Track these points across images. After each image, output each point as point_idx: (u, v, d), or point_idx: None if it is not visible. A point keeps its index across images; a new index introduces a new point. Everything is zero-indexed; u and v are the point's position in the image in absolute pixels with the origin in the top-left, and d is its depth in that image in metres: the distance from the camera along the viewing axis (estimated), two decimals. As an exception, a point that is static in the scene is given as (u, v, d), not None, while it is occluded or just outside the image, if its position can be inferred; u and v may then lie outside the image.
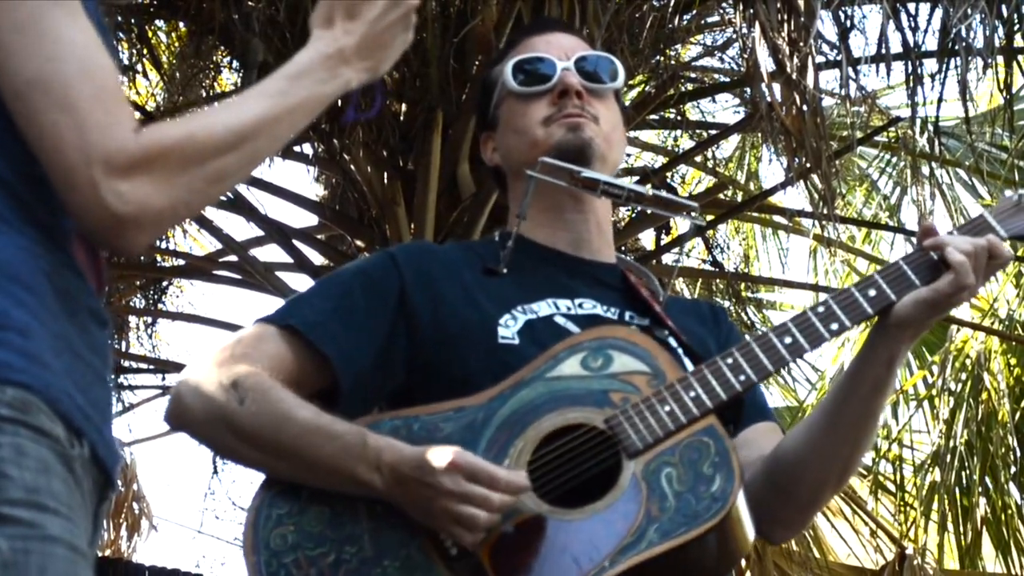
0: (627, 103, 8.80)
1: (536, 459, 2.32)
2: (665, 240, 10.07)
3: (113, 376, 10.73)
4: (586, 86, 2.72)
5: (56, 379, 1.78)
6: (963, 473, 10.35)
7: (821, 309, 2.45)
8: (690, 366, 2.50)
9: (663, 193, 2.72)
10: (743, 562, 9.79)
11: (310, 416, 2.33)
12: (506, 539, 2.25)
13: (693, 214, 2.73)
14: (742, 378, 2.40)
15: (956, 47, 6.76)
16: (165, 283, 11.00)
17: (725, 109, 11.41)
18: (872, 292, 2.45)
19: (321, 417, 2.33)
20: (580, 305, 2.62)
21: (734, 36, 8.71)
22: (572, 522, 2.26)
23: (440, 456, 2.22)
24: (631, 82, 8.72)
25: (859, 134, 8.97)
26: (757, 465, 2.55)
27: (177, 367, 10.56)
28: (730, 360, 2.41)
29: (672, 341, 2.59)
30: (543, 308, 2.59)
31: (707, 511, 2.24)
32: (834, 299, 2.45)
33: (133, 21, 8.39)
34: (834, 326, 2.43)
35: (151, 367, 11.19)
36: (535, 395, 2.39)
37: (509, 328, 2.54)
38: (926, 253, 2.46)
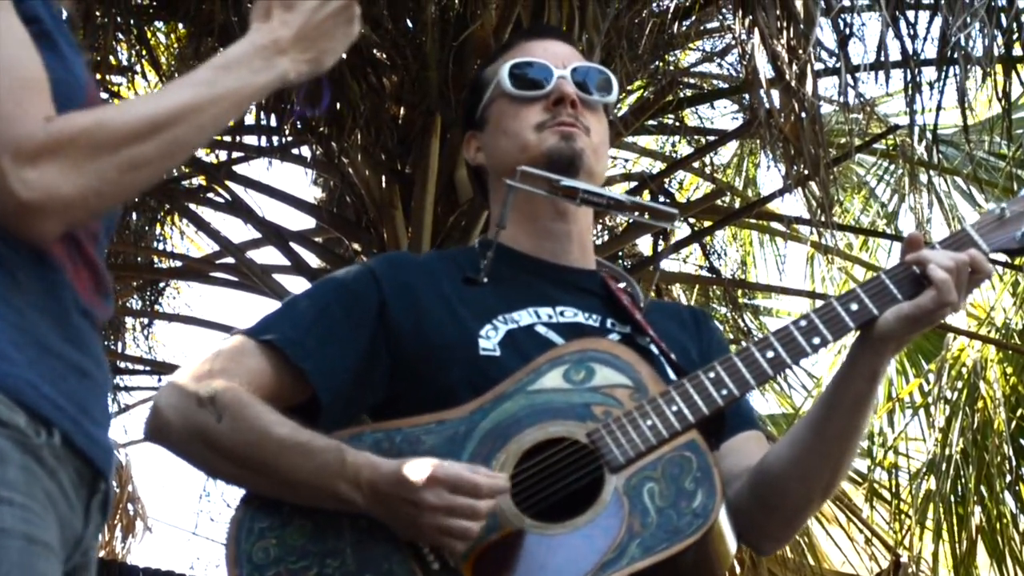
0: (626, 108, 8.84)
1: (518, 472, 2.33)
2: (662, 246, 10.06)
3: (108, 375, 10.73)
4: (581, 96, 2.72)
5: (16, 370, 1.77)
6: (958, 481, 10.33)
7: (803, 323, 2.44)
8: (671, 375, 2.50)
9: (642, 201, 2.72)
10: (737, 568, 9.81)
11: (287, 433, 2.33)
12: (488, 554, 2.26)
13: (675, 221, 2.72)
14: (724, 393, 2.40)
15: (955, 55, 6.76)
16: (162, 285, 11.00)
17: (724, 115, 11.40)
18: (854, 306, 2.44)
19: (299, 434, 2.33)
20: (561, 313, 2.61)
21: (733, 42, 8.69)
22: (554, 537, 2.27)
23: (419, 470, 2.22)
24: (630, 87, 8.72)
25: (857, 141, 8.98)
26: (743, 477, 2.55)
27: (173, 369, 10.49)
28: (712, 375, 2.40)
29: (653, 349, 2.59)
30: (524, 317, 2.59)
31: (689, 527, 2.24)
32: (816, 313, 2.45)
33: (132, 22, 8.37)
34: (816, 340, 2.43)
35: (147, 369, 11.17)
36: (517, 408, 2.39)
37: (490, 339, 2.53)
38: (908, 267, 2.44)
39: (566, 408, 2.39)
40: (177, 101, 1.91)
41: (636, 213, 2.71)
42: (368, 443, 2.36)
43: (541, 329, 2.57)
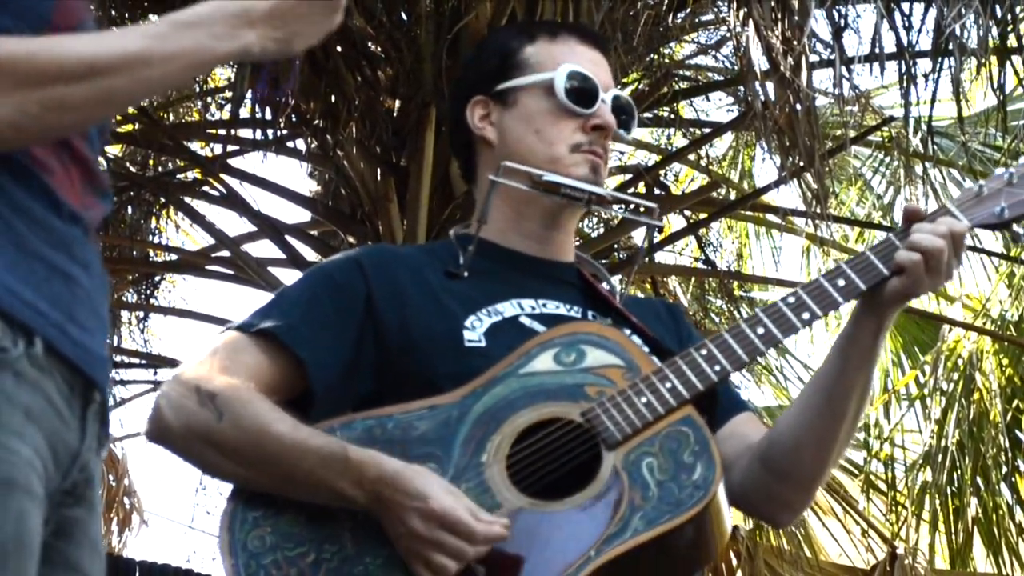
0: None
1: (514, 453, 2.32)
2: (658, 238, 10.06)
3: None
4: (615, 131, 2.70)
5: None
6: (955, 473, 10.35)
7: (792, 300, 2.46)
8: (657, 361, 2.49)
9: (622, 195, 2.74)
10: (734, 560, 9.82)
11: (287, 430, 2.31)
12: None
13: (656, 215, 2.73)
14: (717, 368, 2.40)
15: (950, 47, 6.76)
16: (157, 278, 10.96)
17: (719, 108, 11.43)
18: (841, 282, 2.45)
19: (299, 430, 2.32)
20: (544, 305, 2.61)
21: (728, 34, 8.70)
22: (555, 514, 2.26)
23: (422, 493, 2.21)
24: (625, 80, 8.71)
25: (852, 133, 8.96)
26: (747, 455, 2.56)
27: (169, 362, 10.54)
28: (704, 351, 2.42)
29: (636, 338, 2.59)
30: (507, 309, 2.59)
31: (690, 499, 2.25)
32: (804, 290, 2.47)
33: (127, 15, 8.36)
34: (806, 315, 2.44)
35: (143, 362, 11.17)
36: (509, 391, 2.39)
37: (475, 330, 2.53)
38: (892, 243, 2.47)
39: (559, 389, 2.39)
40: (121, 48, 1.76)
41: (617, 207, 2.70)
42: (360, 430, 2.35)
43: (525, 320, 2.57)
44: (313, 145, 8.52)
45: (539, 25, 2.91)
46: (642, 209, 2.78)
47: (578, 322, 2.58)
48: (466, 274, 2.62)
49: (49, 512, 1.75)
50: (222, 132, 9.31)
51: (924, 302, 11.43)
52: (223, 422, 2.32)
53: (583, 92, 2.68)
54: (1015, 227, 2.56)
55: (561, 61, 2.71)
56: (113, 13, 7.94)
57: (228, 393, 2.35)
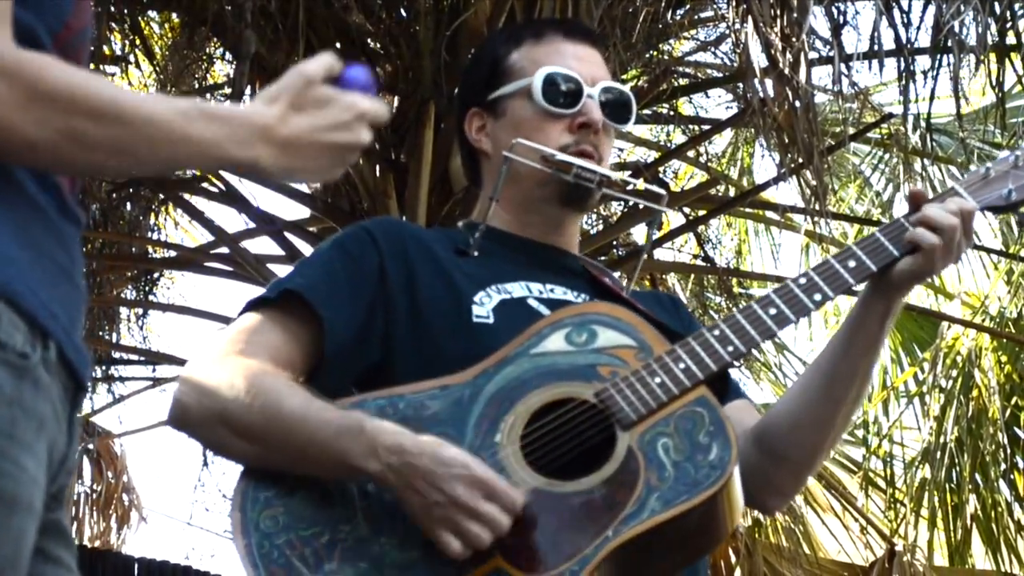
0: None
1: (528, 434, 2.31)
2: (657, 235, 10.06)
3: (104, 366, 10.77)
4: (604, 122, 2.70)
5: (18, 273, 1.71)
6: (953, 470, 10.34)
7: (803, 281, 2.46)
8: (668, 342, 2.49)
9: (631, 180, 2.73)
10: (733, 557, 9.81)
11: (301, 403, 2.30)
12: None
13: (661, 202, 2.74)
14: (730, 349, 2.40)
15: (949, 44, 6.76)
16: (156, 274, 10.93)
17: (718, 104, 11.40)
18: (852, 263, 2.46)
19: (313, 403, 2.30)
20: (551, 290, 2.62)
21: (727, 31, 8.69)
22: (571, 494, 2.25)
23: (459, 460, 2.19)
24: (624, 76, 8.70)
25: (851, 130, 8.96)
26: (743, 438, 2.54)
27: (168, 359, 10.54)
28: (716, 332, 2.42)
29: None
30: (516, 289, 2.59)
31: (707, 479, 2.24)
32: (815, 271, 2.47)
33: (126, 12, 8.36)
34: (817, 297, 2.45)
35: (142, 359, 11.15)
36: (521, 371, 2.38)
37: (484, 306, 2.54)
38: (902, 224, 2.48)
39: (571, 370, 2.39)
40: (150, 109, 1.79)
41: (625, 191, 2.71)
42: (372, 410, 2.33)
43: (533, 303, 2.57)
44: (312, 141, 8.49)
45: (526, 28, 2.90)
46: (647, 191, 2.78)
47: (589, 303, 2.59)
48: (476, 253, 2.63)
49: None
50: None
51: (923, 299, 11.44)
52: (238, 401, 2.31)
53: (564, 92, 2.68)
54: (1023, 209, 2.59)
55: (542, 64, 2.71)
56: (112, 9, 7.95)
57: (243, 372, 2.35)
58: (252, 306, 2.51)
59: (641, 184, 2.73)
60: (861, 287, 2.52)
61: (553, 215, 2.72)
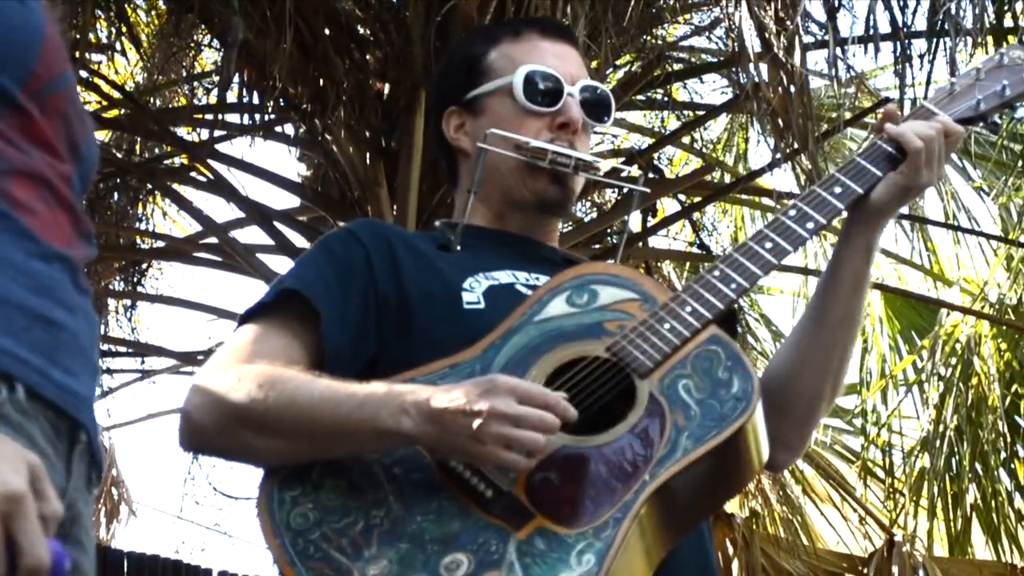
0: (613, 83, 8.75)
1: None
2: (652, 222, 10.00)
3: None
4: (584, 121, 2.74)
5: None
6: (953, 459, 10.33)
7: (793, 213, 2.52)
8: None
9: (607, 162, 2.76)
10: (730, 549, 9.75)
11: (320, 386, 2.29)
12: (536, 475, 2.22)
13: (638, 183, 2.83)
14: (733, 286, 2.43)
15: (946, 27, 6.73)
16: (144, 265, 10.88)
17: (713, 90, 11.36)
18: (838, 189, 2.53)
19: (331, 383, 2.29)
20: (537, 279, 2.62)
21: (721, 16, 8.61)
22: (601, 446, 2.25)
23: (485, 380, 2.20)
24: (617, 62, 8.65)
25: (847, 115, 8.93)
26: None
27: (157, 350, 10.52)
28: (717, 272, 2.45)
29: None
30: (503, 276, 2.60)
31: (733, 411, 2.26)
32: (803, 201, 2.54)
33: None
34: (810, 225, 2.50)
35: (130, 351, 11.13)
36: (528, 339, 2.39)
37: (474, 292, 2.54)
38: (880, 146, 2.55)
39: (579, 330, 2.41)
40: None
41: (602, 175, 2.75)
42: None
43: (521, 288, 2.58)
44: (301, 129, 8.50)
45: (503, 26, 2.97)
46: (623, 174, 2.81)
47: (584, 264, 2.62)
48: (459, 248, 2.65)
49: None
50: (209, 117, 9.25)
51: (922, 286, 11.40)
52: (252, 398, 2.30)
53: (544, 91, 2.72)
54: (993, 118, 2.70)
55: (521, 62, 2.75)
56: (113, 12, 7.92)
57: (250, 373, 2.34)
58: (248, 316, 2.52)
59: (616, 162, 2.76)
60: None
61: (531, 218, 2.75)
